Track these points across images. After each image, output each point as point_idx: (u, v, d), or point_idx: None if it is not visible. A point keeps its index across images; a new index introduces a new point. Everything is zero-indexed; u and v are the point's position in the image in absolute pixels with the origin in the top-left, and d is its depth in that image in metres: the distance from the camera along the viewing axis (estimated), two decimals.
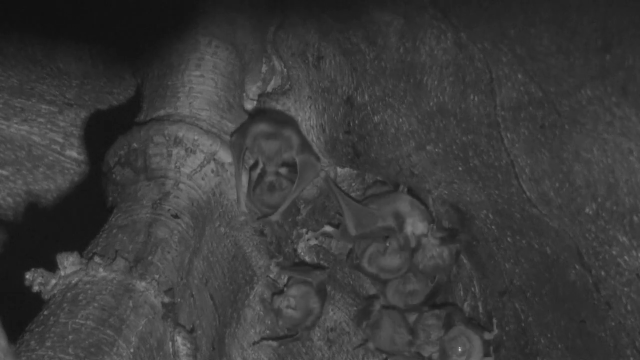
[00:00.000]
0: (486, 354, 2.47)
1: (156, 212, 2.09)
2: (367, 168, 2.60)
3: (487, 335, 2.48)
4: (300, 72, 2.56)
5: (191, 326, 2.03)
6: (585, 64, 2.00)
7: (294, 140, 2.36)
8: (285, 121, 2.42)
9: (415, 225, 2.48)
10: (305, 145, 2.41)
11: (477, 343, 2.46)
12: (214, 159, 2.29)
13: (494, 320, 2.52)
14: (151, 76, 2.51)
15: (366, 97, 2.45)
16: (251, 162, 2.38)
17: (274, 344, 2.46)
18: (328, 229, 2.60)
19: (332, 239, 2.68)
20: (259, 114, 2.51)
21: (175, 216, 2.11)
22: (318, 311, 2.50)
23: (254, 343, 2.41)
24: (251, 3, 2.64)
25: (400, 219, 2.48)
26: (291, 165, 2.38)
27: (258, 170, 2.34)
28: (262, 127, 2.32)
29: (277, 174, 2.33)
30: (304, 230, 2.65)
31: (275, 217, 2.38)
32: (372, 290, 2.71)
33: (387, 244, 2.48)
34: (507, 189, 2.28)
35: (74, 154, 2.72)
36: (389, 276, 2.54)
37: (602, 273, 2.09)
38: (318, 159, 2.47)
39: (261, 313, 2.49)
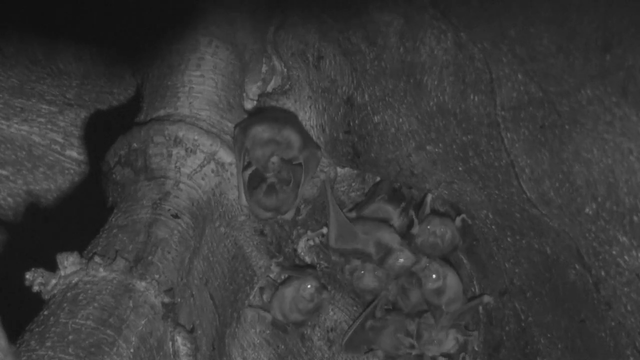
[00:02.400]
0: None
1: (156, 212, 2.09)
2: (367, 168, 2.60)
3: (459, 334, 2.51)
4: (300, 72, 2.56)
5: (191, 326, 2.03)
6: (585, 64, 2.00)
7: (294, 140, 2.35)
8: (284, 121, 2.41)
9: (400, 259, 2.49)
10: (306, 141, 2.41)
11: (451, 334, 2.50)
12: (214, 159, 2.29)
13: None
14: (151, 76, 2.51)
15: (366, 97, 2.45)
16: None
17: (268, 316, 2.47)
18: (326, 230, 2.60)
19: None
20: (259, 113, 2.51)
21: (176, 216, 2.11)
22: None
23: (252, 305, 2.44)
24: (251, 3, 2.64)
25: (382, 250, 2.49)
26: (292, 164, 2.37)
27: (249, 172, 2.34)
28: (260, 130, 2.31)
29: (278, 176, 2.32)
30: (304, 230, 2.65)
31: (289, 216, 2.39)
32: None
33: (362, 272, 2.50)
34: (507, 189, 2.28)
35: (74, 154, 2.72)
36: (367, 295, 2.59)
37: (602, 273, 2.09)
38: (318, 147, 2.49)
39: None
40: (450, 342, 2.51)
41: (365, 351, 2.62)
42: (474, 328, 2.58)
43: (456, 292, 2.49)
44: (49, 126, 2.70)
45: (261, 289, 2.51)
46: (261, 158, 2.30)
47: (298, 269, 2.59)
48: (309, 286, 2.45)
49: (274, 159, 2.29)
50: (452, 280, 2.50)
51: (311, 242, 2.65)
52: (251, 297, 2.49)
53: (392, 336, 2.54)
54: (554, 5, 2.03)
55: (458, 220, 2.49)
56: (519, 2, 2.08)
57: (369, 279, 2.52)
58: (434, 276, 2.47)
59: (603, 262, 2.08)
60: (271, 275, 2.51)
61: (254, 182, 2.33)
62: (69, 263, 1.82)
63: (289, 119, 2.48)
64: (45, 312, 1.73)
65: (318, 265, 2.62)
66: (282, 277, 2.56)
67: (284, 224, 2.56)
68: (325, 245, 2.57)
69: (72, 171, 2.72)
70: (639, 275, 2.01)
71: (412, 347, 2.52)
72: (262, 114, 2.49)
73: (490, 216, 2.43)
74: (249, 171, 2.33)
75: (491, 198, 2.36)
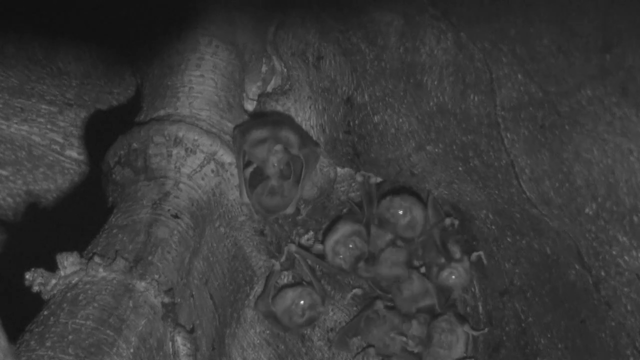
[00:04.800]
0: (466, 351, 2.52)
1: (156, 212, 2.09)
2: (367, 168, 2.60)
3: (470, 330, 2.50)
4: (300, 72, 2.56)
5: (191, 326, 2.03)
6: (585, 64, 2.00)
7: (292, 138, 2.36)
8: (280, 122, 2.42)
9: None
10: (304, 139, 2.41)
11: (462, 338, 2.50)
12: (214, 159, 2.29)
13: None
14: (151, 76, 2.51)
15: (366, 97, 2.45)
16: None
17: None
18: (319, 246, 2.61)
19: None
20: (255, 118, 2.52)
21: (175, 216, 2.11)
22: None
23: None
24: (251, 3, 2.64)
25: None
26: (292, 162, 2.37)
27: (250, 170, 2.34)
28: (258, 133, 2.32)
29: (280, 178, 2.33)
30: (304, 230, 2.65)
31: (290, 210, 2.39)
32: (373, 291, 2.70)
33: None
34: (507, 189, 2.28)
35: (74, 154, 2.72)
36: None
37: (602, 273, 2.09)
38: (317, 144, 2.50)
39: None
40: (460, 347, 2.51)
41: (357, 352, 2.62)
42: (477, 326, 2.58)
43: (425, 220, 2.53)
44: (49, 126, 2.70)
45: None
46: (260, 154, 2.30)
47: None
48: (302, 302, 2.46)
49: (278, 147, 2.29)
50: (417, 212, 2.53)
51: (311, 243, 2.65)
52: (251, 297, 2.49)
53: (385, 333, 2.54)
54: (554, 5, 2.03)
55: (474, 256, 2.51)
56: (519, 2, 2.08)
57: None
58: (400, 212, 2.50)
59: (603, 262, 2.08)
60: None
61: (255, 181, 2.34)
62: (69, 263, 1.82)
63: (286, 120, 2.49)
64: (45, 312, 1.73)
65: (317, 267, 2.62)
66: (283, 278, 2.56)
67: (284, 224, 2.56)
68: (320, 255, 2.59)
69: (72, 171, 2.72)
70: (639, 275, 2.01)
71: (406, 346, 2.52)
72: (260, 118, 2.50)
73: (490, 216, 2.43)
74: (250, 169, 2.34)
75: (491, 198, 2.36)
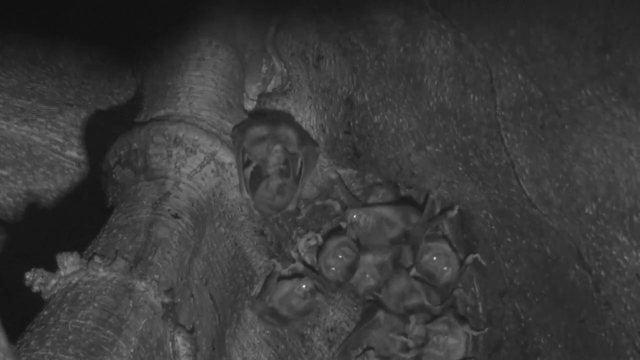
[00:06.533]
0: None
1: (156, 212, 2.10)
2: (367, 168, 2.61)
3: (470, 330, 2.49)
4: (300, 72, 2.57)
5: (191, 326, 2.03)
6: (585, 64, 2.00)
7: (292, 136, 2.37)
8: (278, 120, 2.43)
9: None
10: (303, 137, 2.42)
11: (463, 339, 2.49)
12: (214, 159, 2.29)
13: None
14: (151, 76, 2.51)
15: (366, 97, 2.45)
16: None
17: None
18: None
19: None
20: (255, 116, 2.52)
21: (176, 216, 2.11)
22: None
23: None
24: (251, 3, 2.64)
25: None
26: (291, 160, 2.38)
27: (250, 169, 2.34)
28: (258, 130, 2.33)
29: (282, 176, 2.33)
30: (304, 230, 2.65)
31: (291, 206, 2.40)
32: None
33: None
34: (507, 189, 2.28)
35: (74, 154, 2.72)
36: None
37: (602, 273, 2.09)
38: (316, 143, 2.51)
39: None
40: (461, 348, 2.51)
41: (357, 354, 2.62)
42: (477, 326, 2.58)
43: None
44: (49, 126, 2.70)
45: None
46: (259, 153, 2.31)
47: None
48: (304, 286, 2.47)
49: (277, 147, 2.30)
50: (452, 259, 2.55)
51: (311, 242, 2.65)
52: (251, 297, 2.49)
53: (384, 335, 2.53)
54: (554, 5, 2.03)
55: (470, 258, 2.51)
56: (519, 2, 2.08)
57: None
58: (435, 258, 2.52)
59: (603, 262, 2.08)
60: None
61: (256, 180, 2.34)
62: (69, 263, 1.82)
63: (284, 118, 2.50)
64: (45, 312, 1.73)
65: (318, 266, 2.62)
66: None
67: (284, 224, 2.56)
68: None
69: (72, 171, 2.72)
70: (638, 275, 2.01)
71: (406, 346, 2.51)
72: (259, 116, 2.50)
73: (490, 216, 2.43)
74: (250, 168, 2.34)
75: (491, 198, 2.36)
